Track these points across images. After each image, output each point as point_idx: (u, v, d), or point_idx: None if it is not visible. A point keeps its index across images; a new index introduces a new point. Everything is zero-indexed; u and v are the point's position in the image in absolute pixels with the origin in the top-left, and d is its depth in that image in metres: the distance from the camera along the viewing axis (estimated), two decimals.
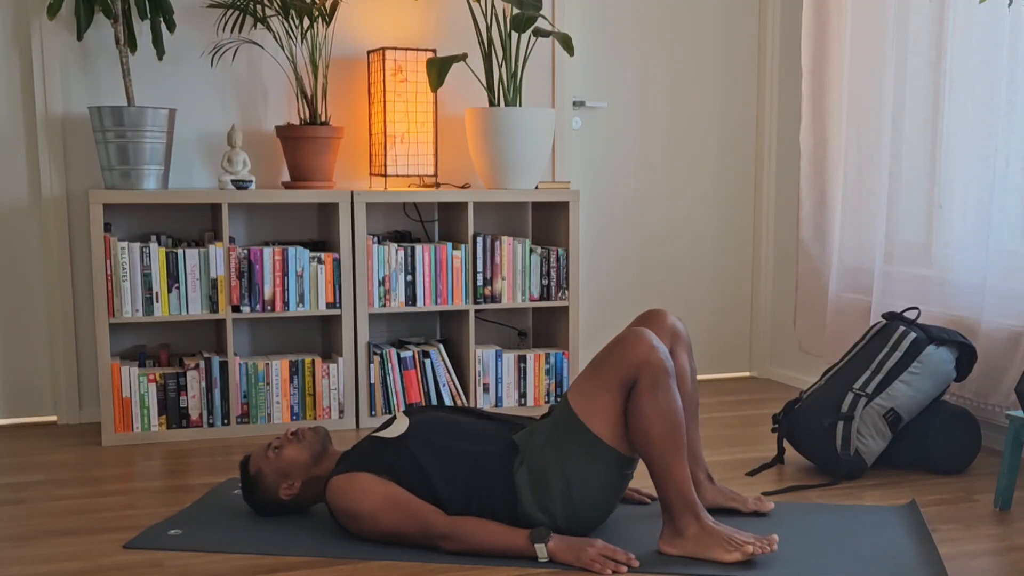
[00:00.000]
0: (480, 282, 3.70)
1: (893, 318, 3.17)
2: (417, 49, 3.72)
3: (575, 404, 2.35)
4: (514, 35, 3.69)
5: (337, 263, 3.54)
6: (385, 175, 3.73)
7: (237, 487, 2.83)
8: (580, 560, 2.25)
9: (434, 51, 3.75)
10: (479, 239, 3.68)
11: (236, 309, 3.45)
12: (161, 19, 3.52)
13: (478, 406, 3.72)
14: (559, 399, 2.63)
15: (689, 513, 2.30)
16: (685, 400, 2.51)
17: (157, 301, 3.37)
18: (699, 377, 4.44)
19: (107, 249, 3.31)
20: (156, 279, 3.37)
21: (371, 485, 2.36)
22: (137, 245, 3.34)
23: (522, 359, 3.78)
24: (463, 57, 3.57)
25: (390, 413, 3.63)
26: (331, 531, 2.47)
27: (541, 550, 2.26)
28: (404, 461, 2.39)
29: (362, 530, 2.38)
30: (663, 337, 2.53)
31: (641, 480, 2.96)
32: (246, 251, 3.45)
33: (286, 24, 3.56)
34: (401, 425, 2.47)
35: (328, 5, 3.58)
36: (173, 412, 3.43)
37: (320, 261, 3.53)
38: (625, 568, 2.24)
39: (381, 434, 2.48)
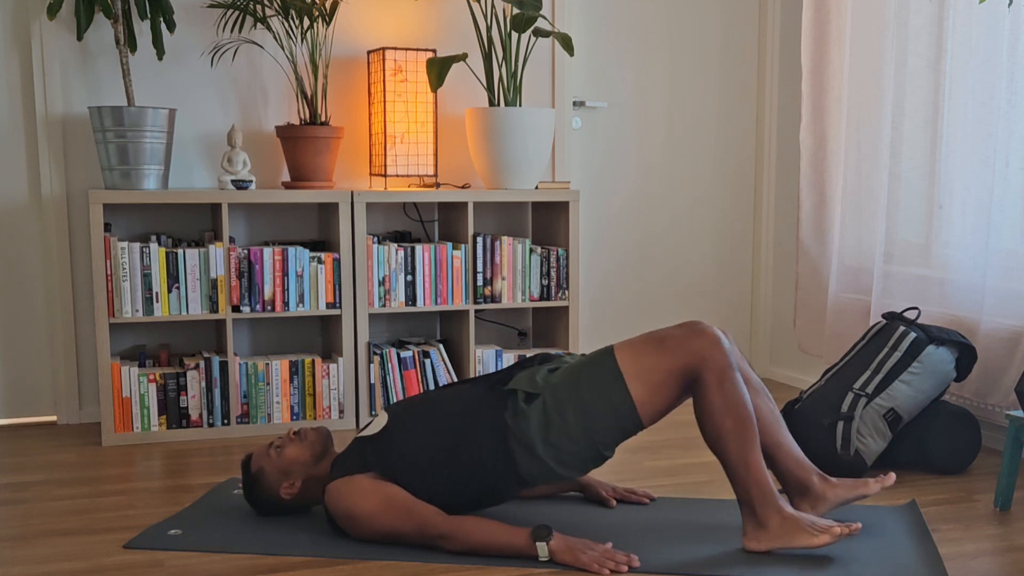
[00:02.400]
0: (480, 282, 3.70)
1: (893, 318, 3.17)
2: (417, 49, 3.72)
3: (621, 360, 2.33)
4: (514, 35, 3.69)
5: (337, 263, 3.54)
6: (385, 175, 3.73)
7: (237, 487, 2.83)
8: (579, 562, 2.25)
9: (434, 51, 3.75)
10: (479, 239, 3.68)
11: (236, 309, 3.45)
12: (161, 19, 3.52)
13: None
14: (586, 353, 2.62)
15: (770, 505, 2.29)
16: (767, 407, 2.51)
17: (157, 301, 3.37)
18: None
19: (107, 249, 3.31)
20: (156, 279, 3.37)
21: (368, 487, 2.36)
22: (137, 245, 3.34)
23: (522, 359, 3.78)
24: (463, 57, 3.57)
25: None
26: (331, 531, 2.47)
27: (542, 548, 2.26)
28: (390, 453, 2.39)
29: (362, 532, 2.38)
30: None
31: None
32: (246, 251, 3.45)
33: (286, 24, 3.56)
34: (381, 420, 2.49)
35: (328, 5, 3.58)
36: (173, 412, 3.43)
37: (320, 261, 3.53)
38: (626, 568, 2.24)
39: (364, 433, 2.50)
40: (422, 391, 2.69)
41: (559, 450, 2.33)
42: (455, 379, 3.69)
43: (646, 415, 2.32)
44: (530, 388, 2.38)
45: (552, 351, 2.62)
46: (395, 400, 3.62)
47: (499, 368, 3.73)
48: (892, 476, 2.51)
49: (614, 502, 2.71)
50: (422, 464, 2.37)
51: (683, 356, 2.29)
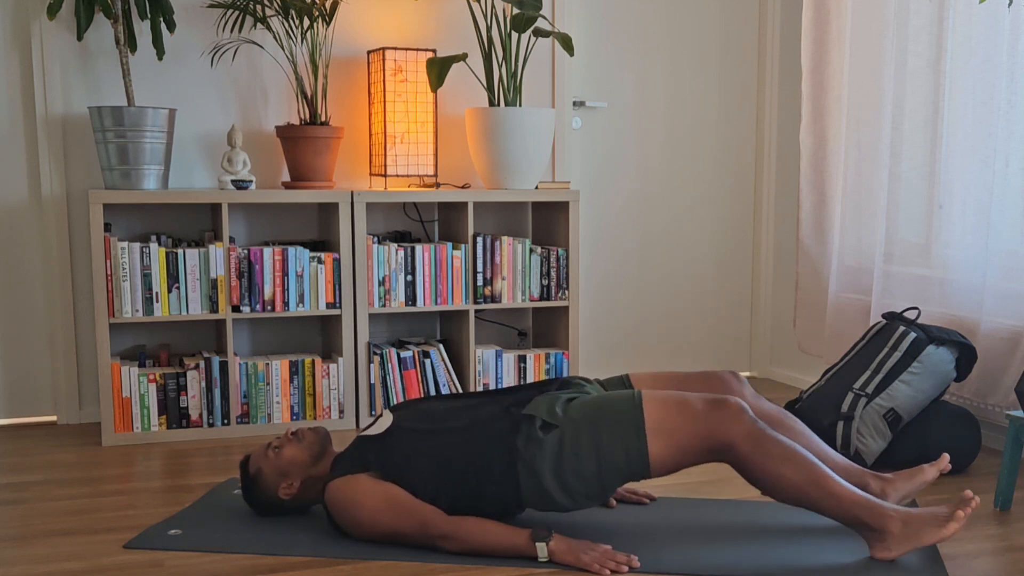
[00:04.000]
0: (480, 282, 3.70)
1: (893, 318, 3.17)
2: (417, 49, 3.72)
3: (648, 413, 2.29)
4: (514, 35, 3.69)
5: (337, 263, 3.54)
6: (385, 175, 3.73)
7: (237, 487, 2.83)
8: (579, 561, 2.25)
9: (434, 51, 3.75)
10: (479, 239, 3.68)
11: (236, 309, 3.45)
12: (161, 19, 3.52)
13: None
14: (604, 382, 2.61)
15: (882, 515, 2.24)
16: (797, 429, 2.52)
17: (157, 301, 3.37)
18: None
19: (107, 249, 3.31)
20: (156, 279, 3.37)
21: (368, 486, 2.36)
22: (137, 245, 3.34)
23: (522, 359, 3.78)
24: (463, 57, 3.57)
25: None
26: (331, 531, 2.47)
27: (542, 549, 2.26)
28: (392, 455, 2.39)
29: (362, 532, 2.37)
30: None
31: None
32: (246, 251, 3.45)
33: (286, 24, 3.56)
34: (385, 421, 2.48)
35: (328, 5, 3.58)
36: (173, 412, 3.43)
37: (320, 261, 3.53)
38: (626, 568, 2.24)
39: (367, 432, 2.49)
40: (426, 395, 2.69)
41: (566, 484, 2.32)
42: (455, 379, 3.69)
43: (657, 470, 2.30)
44: (549, 418, 2.34)
45: (573, 377, 2.58)
46: (395, 401, 3.63)
47: (499, 368, 3.73)
48: (946, 458, 2.50)
49: (614, 502, 2.71)
50: (424, 472, 2.36)
51: (709, 428, 2.25)
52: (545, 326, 3.99)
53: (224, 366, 3.45)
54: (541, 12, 3.68)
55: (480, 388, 3.72)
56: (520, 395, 2.46)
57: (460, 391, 3.70)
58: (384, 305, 3.62)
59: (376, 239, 3.65)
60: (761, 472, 2.24)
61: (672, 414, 2.29)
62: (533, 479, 2.32)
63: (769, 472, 2.23)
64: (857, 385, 3.02)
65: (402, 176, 3.75)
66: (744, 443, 2.23)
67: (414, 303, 3.65)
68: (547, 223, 3.94)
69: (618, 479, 2.32)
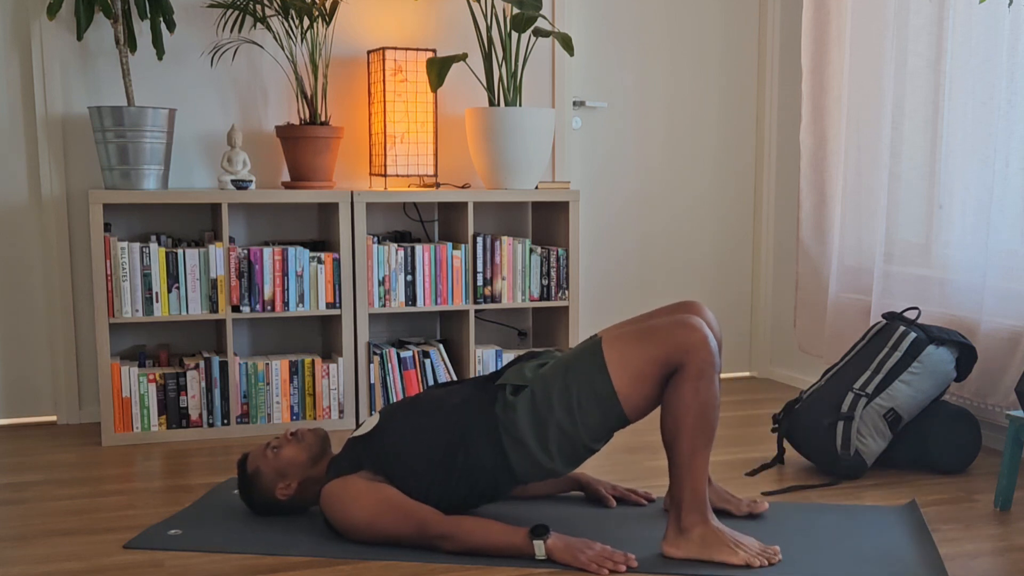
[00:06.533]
0: (480, 282, 3.70)
1: (893, 318, 3.17)
2: (417, 49, 3.72)
3: (607, 350, 2.33)
4: (514, 35, 3.69)
5: (337, 263, 3.54)
6: (385, 175, 3.73)
7: (237, 487, 2.83)
8: (577, 560, 2.25)
9: (434, 51, 3.75)
10: (479, 239, 3.68)
11: (236, 309, 3.45)
12: (161, 19, 3.52)
13: None
14: (569, 348, 2.64)
15: (697, 512, 2.28)
16: None
17: (157, 301, 3.37)
18: None
19: (107, 249, 3.31)
20: (156, 279, 3.37)
21: (363, 489, 2.36)
22: (137, 245, 3.34)
23: None
24: (463, 57, 3.57)
25: None
26: (331, 531, 2.47)
27: (539, 547, 2.26)
28: (383, 450, 2.40)
29: (358, 535, 2.37)
30: None
31: (646, 478, 2.96)
32: (246, 251, 3.45)
33: (286, 24, 3.56)
34: (373, 420, 2.50)
35: (328, 5, 3.58)
36: (173, 412, 3.43)
37: (320, 261, 3.53)
38: (624, 568, 2.24)
39: (356, 434, 2.51)
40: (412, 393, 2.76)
41: (548, 442, 2.33)
42: (455, 379, 3.69)
43: (629, 407, 2.31)
44: (518, 380, 2.39)
45: (547, 349, 2.61)
46: (394, 401, 3.63)
47: (499, 368, 3.73)
48: (765, 504, 2.61)
49: (614, 502, 2.71)
50: (415, 462, 2.37)
51: (667, 346, 2.27)
52: (545, 326, 3.99)
53: (224, 366, 3.45)
54: (541, 12, 3.67)
55: None
56: (493, 373, 2.52)
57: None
58: (384, 305, 3.62)
59: (376, 239, 3.65)
60: (677, 398, 2.25)
61: (632, 346, 2.32)
62: (518, 445, 2.34)
63: (682, 403, 2.25)
64: (857, 385, 3.02)
65: (402, 176, 3.75)
66: (691, 367, 2.25)
67: (414, 303, 3.65)
68: (547, 223, 3.94)
69: (597, 426, 2.32)
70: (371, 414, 2.58)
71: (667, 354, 2.27)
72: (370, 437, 2.44)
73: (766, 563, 2.25)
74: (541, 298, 3.79)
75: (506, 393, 2.38)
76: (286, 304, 3.50)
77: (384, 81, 3.68)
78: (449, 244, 3.67)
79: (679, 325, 2.30)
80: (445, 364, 3.69)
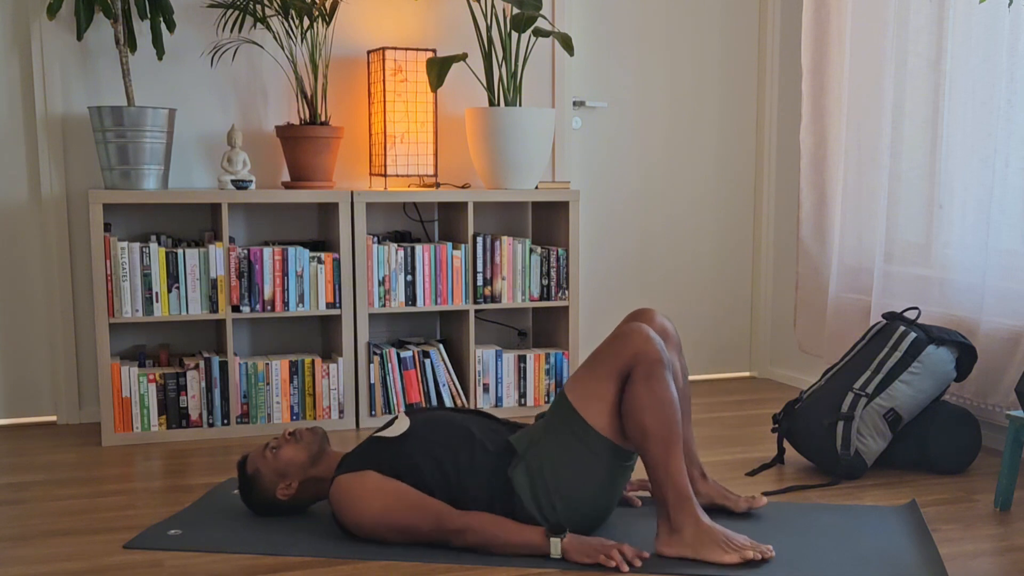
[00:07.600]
0: (480, 282, 3.70)
1: (893, 318, 3.17)
2: (417, 49, 3.72)
3: (571, 395, 2.35)
4: (514, 35, 3.69)
5: (337, 263, 3.54)
6: (385, 175, 3.73)
7: (236, 487, 2.83)
8: (592, 559, 2.24)
9: (434, 51, 3.75)
10: (479, 239, 3.68)
11: (236, 309, 3.45)
12: (161, 19, 3.52)
13: (478, 406, 3.72)
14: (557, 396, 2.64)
15: (686, 511, 2.27)
16: (679, 396, 2.50)
17: (157, 301, 3.37)
18: (699, 377, 4.46)
19: (107, 249, 3.31)
20: (156, 279, 3.37)
21: (379, 483, 2.35)
22: (137, 245, 3.34)
23: (522, 359, 3.78)
24: (463, 57, 3.57)
25: (390, 413, 3.63)
26: (331, 531, 2.47)
27: (555, 545, 2.25)
28: (403, 460, 2.38)
29: (369, 529, 2.36)
30: None
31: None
32: (246, 251, 3.45)
33: (286, 24, 3.56)
34: (402, 425, 2.47)
35: (328, 5, 3.58)
36: (173, 412, 3.43)
37: (320, 261, 3.53)
38: (638, 562, 2.24)
39: (382, 434, 2.48)
40: (442, 406, 2.70)
41: (554, 506, 2.33)
42: (455, 379, 3.69)
43: (613, 433, 2.31)
44: (518, 447, 2.38)
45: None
46: (395, 401, 3.62)
47: (499, 368, 3.73)
48: (764, 500, 2.61)
49: (639, 501, 2.71)
50: (431, 484, 2.36)
51: (613, 360, 2.30)
52: (545, 326, 3.99)
53: (224, 366, 3.45)
54: (541, 12, 3.68)
55: (480, 388, 3.72)
56: (524, 428, 2.49)
57: (461, 393, 3.69)
58: (384, 305, 3.62)
59: (376, 239, 3.65)
60: (632, 401, 2.26)
61: (586, 376, 2.34)
62: (532, 514, 2.34)
63: (637, 406, 2.25)
64: (857, 385, 3.02)
65: (402, 176, 3.75)
66: (639, 368, 2.26)
67: (414, 303, 3.65)
68: (547, 223, 3.94)
69: (593, 471, 2.32)
70: (397, 415, 2.56)
71: (615, 368, 2.29)
72: (398, 444, 2.42)
73: (759, 556, 2.24)
74: (541, 298, 3.79)
75: (515, 467, 2.37)
76: (286, 304, 3.50)
77: (384, 81, 3.68)
78: (449, 244, 3.67)
79: (617, 337, 2.32)
80: (445, 364, 3.69)
